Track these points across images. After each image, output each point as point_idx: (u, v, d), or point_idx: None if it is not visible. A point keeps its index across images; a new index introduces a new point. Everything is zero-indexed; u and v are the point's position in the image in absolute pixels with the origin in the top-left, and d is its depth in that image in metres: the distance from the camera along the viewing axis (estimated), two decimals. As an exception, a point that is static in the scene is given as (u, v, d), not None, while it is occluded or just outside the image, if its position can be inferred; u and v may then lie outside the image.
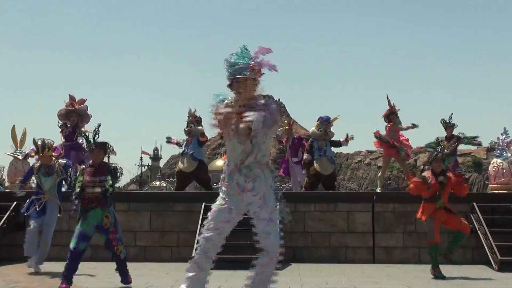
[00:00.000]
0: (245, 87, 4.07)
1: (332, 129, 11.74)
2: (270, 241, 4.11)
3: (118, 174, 6.43)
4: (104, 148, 6.44)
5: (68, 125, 11.50)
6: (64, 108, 11.45)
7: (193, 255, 9.03)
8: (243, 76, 4.07)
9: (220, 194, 4.21)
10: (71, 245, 6.15)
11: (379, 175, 12.87)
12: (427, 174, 7.90)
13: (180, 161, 11.86)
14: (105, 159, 6.54)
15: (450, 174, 7.99)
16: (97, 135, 6.49)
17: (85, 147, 6.62)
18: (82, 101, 11.56)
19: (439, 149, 8.32)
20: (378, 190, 12.43)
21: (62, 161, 8.65)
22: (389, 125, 12.00)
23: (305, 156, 11.65)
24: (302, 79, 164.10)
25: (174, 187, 12.62)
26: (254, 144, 4.07)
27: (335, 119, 11.91)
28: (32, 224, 8.11)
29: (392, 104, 12.06)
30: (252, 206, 4.18)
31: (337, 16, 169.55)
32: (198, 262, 4.16)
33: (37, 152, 8.39)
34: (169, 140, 12.03)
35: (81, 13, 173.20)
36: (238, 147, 4.08)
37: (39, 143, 8.25)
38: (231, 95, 4.19)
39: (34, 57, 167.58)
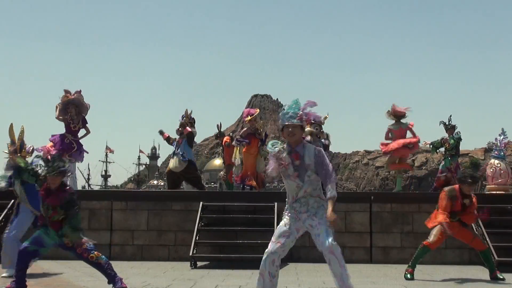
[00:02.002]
0: (293, 132, 4.96)
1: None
2: (320, 241, 4.87)
3: (74, 206, 6.03)
4: (63, 174, 6.03)
5: (72, 119, 11.50)
6: (60, 102, 11.50)
7: (190, 254, 9.10)
8: (292, 123, 4.95)
9: (284, 218, 5.09)
10: (23, 244, 5.99)
11: (397, 176, 12.98)
12: (455, 190, 7.58)
13: (170, 161, 11.99)
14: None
15: (475, 199, 7.69)
16: (55, 163, 6.01)
17: (43, 171, 6.02)
18: (77, 92, 11.62)
19: (474, 173, 7.97)
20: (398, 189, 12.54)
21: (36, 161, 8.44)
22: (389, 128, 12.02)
23: None
24: (301, 79, 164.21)
25: (184, 187, 12.72)
26: (306, 181, 4.94)
27: (325, 117, 11.98)
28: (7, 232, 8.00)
29: (397, 108, 12.02)
30: (306, 222, 4.98)
31: (337, 15, 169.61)
32: (270, 272, 4.97)
33: (15, 151, 8.23)
34: (161, 133, 12.16)
35: (80, 10, 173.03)
36: (292, 183, 4.98)
37: (19, 142, 8.25)
38: (282, 141, 5.20)
39: (32, 54, 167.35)
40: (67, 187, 6.12)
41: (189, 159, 11.68)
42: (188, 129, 11.71)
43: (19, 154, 8.21)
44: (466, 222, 7.72)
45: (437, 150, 12.65)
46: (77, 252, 5.96)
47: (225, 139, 12.87)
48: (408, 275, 7.67)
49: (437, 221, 7.54)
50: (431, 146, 12.41)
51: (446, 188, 7.74)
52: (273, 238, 5.03)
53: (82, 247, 5.97)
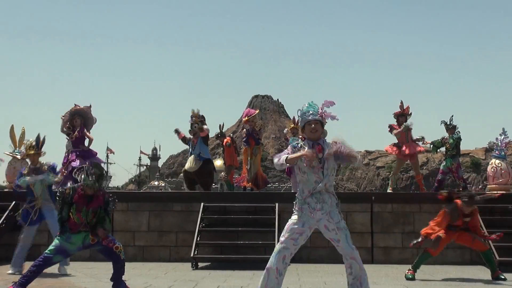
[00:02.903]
0: (316, 128, 5.14)
1: None
2: (342, 246, 5.05)
3: (111, 207, 6.18)
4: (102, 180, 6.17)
5: (75, 130, 11.23)
6: (68, 112, 11.30)
7: (191, 255, 9.11)
8: (314, 119, 5.14)
9: (295, 212, 5.18)
10: (47, 251, 5.90)
11: (391, 175, 12.78)
12: (457, 208, 7.65)
13: (187, 161, 11.94)
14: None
15: (475, 211, 7.82)
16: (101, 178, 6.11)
17: (84, 182, 6.01)
18: (86, 107, 11.49)
19: (470, 192, 8.10)
20: (389, 189, 12.41)
21: (48, 162, 8.44)
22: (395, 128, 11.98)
23: None
24: (302, 79, 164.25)
25: (185, 187, 12.71)
26: (325, 175, 5.05)
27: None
28: (25, 233, 8.12)
29: (404, 107, 12.04)
30: (321, 222, 5.08)
31: (338, 17, 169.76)
32: (278, 268, 5.03)
33: (35, 147, 8.22)
34: (177, 132, 12.03)
35: (80, 9, 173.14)
36: (312, 177, 5.05)
37: (41, 139, 8.29)
38: (301, 139, 5.37)
39: (33, 54, 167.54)
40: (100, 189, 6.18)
41: (206, 158, 11.67)
42: (205, 130, 11.70)
43: (39, 151, 8.26)
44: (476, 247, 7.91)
45: (438, 150, 12.63)
46: (103, 244, 5.99)
47: (225, 139, 12.88)
48: (409, 276, 7.68)
49: (435, 234, 7.66)
50: (431, 145, 12.40)
51: (448, 208, 7.76)
52: (285, 234, 5.09)
53: (107, 239, 6.02)
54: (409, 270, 7.78)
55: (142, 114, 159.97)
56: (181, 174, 12.20)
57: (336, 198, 5.16)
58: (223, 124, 13.50)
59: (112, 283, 6.09)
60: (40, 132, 8.40)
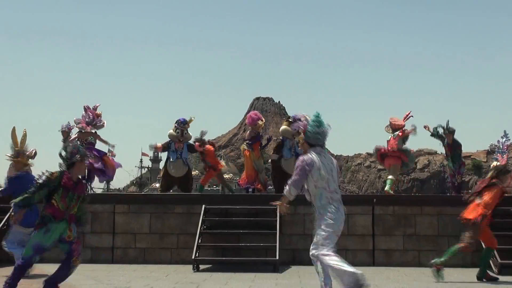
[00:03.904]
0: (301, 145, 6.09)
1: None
2: None
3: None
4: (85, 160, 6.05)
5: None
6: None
7: (193, 257, 9.10)
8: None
9: None
10: (25, 254, 5.86)
11: (390, 177, 12.57)
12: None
13: (168, 165, 11.80)
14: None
15: None
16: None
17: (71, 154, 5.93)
18: (97, 116, 11.60)
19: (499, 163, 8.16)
20: (390, 191, 12.30)
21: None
22: (400, 133, 11.76)
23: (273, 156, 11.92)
24: (303, 81, 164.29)
25: (159, 190, 12.57)
26: (306, 190, 6.08)
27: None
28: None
29: (396, 122, 11.84)
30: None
31: (340, 18, 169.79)
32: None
33: (33, 156, 8.47)
34: (153, 147, 12.06)
35: (80, 9, 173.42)
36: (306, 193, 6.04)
37: (22, 146, 8.37)
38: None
39: (33, 54, 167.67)
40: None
41: (189, 165, 11.86)
42: (200, 148, 11.90)
43: (19, 159, 8.27)
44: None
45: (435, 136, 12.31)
46: (72, 247, 5.89)
47: (207, 146, 12.34)
48: (492, 277, 7.83)
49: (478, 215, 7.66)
50: (431, 132, 12.08)
51: (500, 183, 7.88)
52: None
53: (78, 246, 5.95)
54: (486, 275, 7.86)
55: (143, 115, 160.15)
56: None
57: (324, 213, 5.94)
58: (206, 131, 12.47)
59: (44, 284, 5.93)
60: (40, 132, 8.52)
